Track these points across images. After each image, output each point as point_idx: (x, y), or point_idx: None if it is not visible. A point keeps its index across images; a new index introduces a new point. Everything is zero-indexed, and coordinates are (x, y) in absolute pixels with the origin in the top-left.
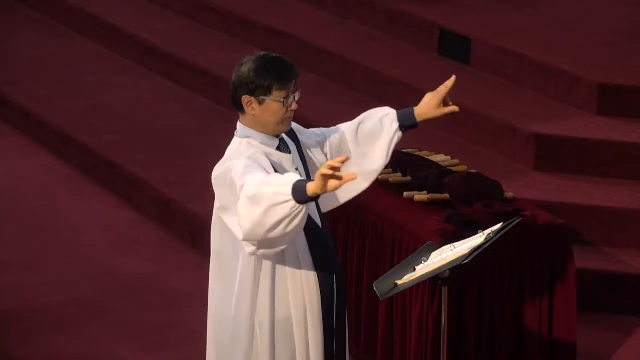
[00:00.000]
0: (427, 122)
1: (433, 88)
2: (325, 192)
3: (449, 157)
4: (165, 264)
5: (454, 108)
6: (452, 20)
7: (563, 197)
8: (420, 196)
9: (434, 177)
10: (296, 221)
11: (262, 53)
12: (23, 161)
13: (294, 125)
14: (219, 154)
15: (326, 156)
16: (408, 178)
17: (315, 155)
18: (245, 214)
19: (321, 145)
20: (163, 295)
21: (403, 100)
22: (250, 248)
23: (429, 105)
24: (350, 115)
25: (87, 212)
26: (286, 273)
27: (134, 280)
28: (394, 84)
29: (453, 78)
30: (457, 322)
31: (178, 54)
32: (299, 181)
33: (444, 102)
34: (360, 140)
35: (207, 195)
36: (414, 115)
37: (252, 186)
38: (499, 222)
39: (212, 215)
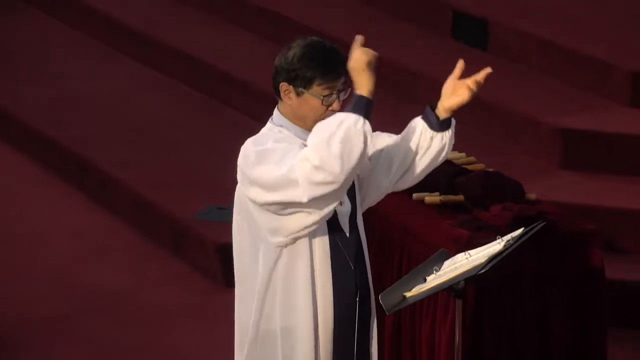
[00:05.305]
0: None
1: (446, 77)
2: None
3: (463, 154)
4: (145, 276)
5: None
6: (467, 0)
7: (593, 199)
8: (431, 198)
9: (447, 176)
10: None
11: (314, 38)
12: None
13: None
14: (207, 149)
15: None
16: None
17: None
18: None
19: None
20: (143, 311)
21: (411, 91)
22: (278, 238)
23: (445, 93)
24: None
25: (55, 217)
26: (298, 282)
27: (110, 294)
28: (401, 72)
29: (461, 62)
30: (473, 339)
31: (160, 38)
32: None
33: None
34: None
35: (193, 197)
36: (431, 111)
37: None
38: (520, 227)
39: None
